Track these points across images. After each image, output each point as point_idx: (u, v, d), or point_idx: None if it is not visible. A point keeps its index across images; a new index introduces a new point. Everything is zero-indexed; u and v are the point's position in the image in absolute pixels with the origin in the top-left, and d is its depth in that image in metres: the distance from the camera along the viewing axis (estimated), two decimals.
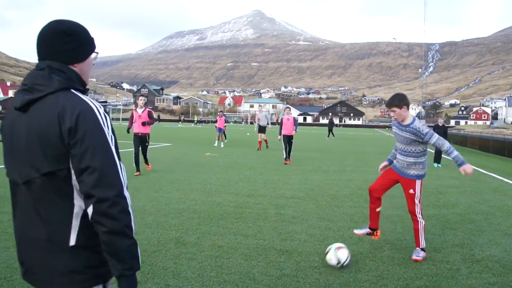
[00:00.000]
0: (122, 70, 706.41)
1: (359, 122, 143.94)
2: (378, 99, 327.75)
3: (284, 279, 4.66)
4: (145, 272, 4.72)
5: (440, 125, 17.84)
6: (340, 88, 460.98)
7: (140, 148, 12.60)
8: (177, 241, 5.91)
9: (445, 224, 7.30)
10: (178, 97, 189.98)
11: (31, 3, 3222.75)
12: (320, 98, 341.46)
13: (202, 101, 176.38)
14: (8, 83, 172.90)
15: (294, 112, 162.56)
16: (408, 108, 5.59)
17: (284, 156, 16.59)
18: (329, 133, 40.14)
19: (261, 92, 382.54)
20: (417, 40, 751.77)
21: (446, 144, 5.34)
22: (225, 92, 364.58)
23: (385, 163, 6.00)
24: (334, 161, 18.10)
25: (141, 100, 12.79)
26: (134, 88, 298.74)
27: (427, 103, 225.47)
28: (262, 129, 22.64)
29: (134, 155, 12.43)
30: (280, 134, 16.96)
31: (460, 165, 5.27)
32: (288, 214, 7.71)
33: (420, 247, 5.45)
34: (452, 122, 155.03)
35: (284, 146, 16.66)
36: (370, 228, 5.93)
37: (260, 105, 32.21)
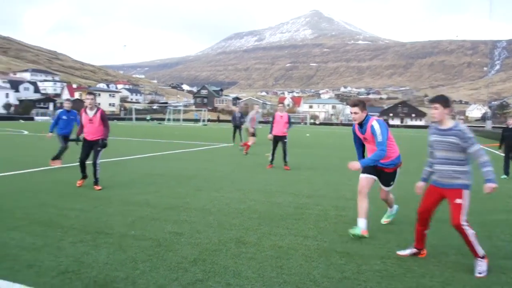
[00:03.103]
0: (182, 72, 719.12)
1: (421, 123, 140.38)
2: None
3: (345, 282, 4.61)
4: (206, 271, 4.79)
5: (510, 126, 16.62)
6: (401, 88, 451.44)
7: (87, 154, 10.14)
8: (238, 241, 5.95)
9: None
10: (237, 98, 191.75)
11: (102, 9, 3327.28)
12: (381, 98, 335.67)
13: (261, 101, 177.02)
14: (74, 85, 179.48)
15: None
16: (450, 113, 5.40)
17: (270, 159, 14.71)
18: None
19: (320, 92, 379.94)
20: (481, 37, 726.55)
21: (485, 156, 4.99)
22: (284, 93, 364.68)
23: (421, 183, 5.74)
24: None
25: (88, 99, 9.96)
26: (194, 89, 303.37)
27: (493, 103, 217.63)
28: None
29: (79, 163, 10.15)
30: (270, 133, 14.72)
31: (488, 182, 4.97)
32: (349, 216, 7.63)
33: (480, 255, 5.06)
34: None
35: (272, 147, 14.69)
36: (416, 248, 5.61)
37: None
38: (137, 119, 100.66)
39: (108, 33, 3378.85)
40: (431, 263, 5.26)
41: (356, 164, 6.25)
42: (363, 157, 6.87)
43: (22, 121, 75.51)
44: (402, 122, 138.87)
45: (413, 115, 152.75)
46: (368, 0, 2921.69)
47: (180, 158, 17.52)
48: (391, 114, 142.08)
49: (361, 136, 6.59)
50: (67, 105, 14.23)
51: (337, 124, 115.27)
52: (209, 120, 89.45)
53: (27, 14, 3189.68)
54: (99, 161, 10.00)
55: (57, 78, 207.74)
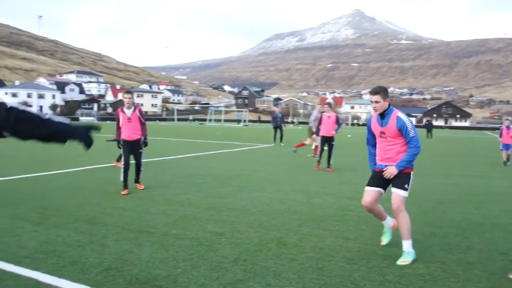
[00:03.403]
0: (224, 73, 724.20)
1: (466, 124, 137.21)
2: (487, 99, 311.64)
3: (386, 285, 4.54)
4: (246, 271, 4.80)
5: None
6: (445, 88, 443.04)
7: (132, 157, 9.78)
8: (278, 242, 5.94)
9: None
10: (278, 99, 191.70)
11: (146, 11, 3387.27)
12: (424, 99, 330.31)
13: (302, 102, 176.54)
14: (118, 86, 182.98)
15: None
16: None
17: (318, 159, 14.54)
18: (427, 134, 40.02)
19: (362, 93, 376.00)
20: None
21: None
22: (325, 93, 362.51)
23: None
24: (438, 164, 17.41)
25: (126, 98, 9.63)
26: (235, 90, 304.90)
27: None
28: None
29: (123, 167, 9.59)
30: (317, 134, 14.67)
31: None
32: None
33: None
34: None
35: (320, 148, 14.65)
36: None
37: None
38: (178, 119, 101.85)
39: (151, 35, 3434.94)
40: (477, 268, 5.11)
41: (394, 170, 5.47)
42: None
43: None
44: (446, 123, 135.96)
45: (458, 115, 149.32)
46: None
47: (221, 158, 17.64)
48: (434, 115, 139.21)
49: (378, 130, 5.65)
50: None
51: None
52: (249, 121, 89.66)
53: (74, 18, 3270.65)
54: (142, 161, 9.98)
55: (101, 80, 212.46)
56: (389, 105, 5.60)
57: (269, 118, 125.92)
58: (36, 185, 10.06)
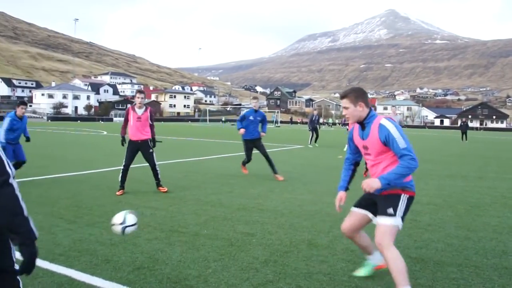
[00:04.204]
0: (256, 74, 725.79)
1: (503, 126, 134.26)
2: None
3: None
4: (277, 272, 4.79)
5: None
6: (481, 89, 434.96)
7: (144, 158, 9.74)
8: (309, 243, 5.91)
9: None
10: (310, 100, 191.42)
11: (180, 13, 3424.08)
12: (459, 99, 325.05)
13: (335, 103, 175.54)
14: (151, 87, 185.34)
15: (430, 115, 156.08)
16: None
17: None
18: (462, 136, 39.28)
19: (395, 93, 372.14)
20: None
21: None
22: None
23: None
24: (473, 166, 17.06)
25: (138, 98, 9.53)
26: (267, 91, 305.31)
27: None
28: None
29: (123, 167, 9.48)
30: None
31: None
32: (423, 221, 7.38)
33: None
34: None
35: None
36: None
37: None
38: (210, 120, 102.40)
39: (185, 36, 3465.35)
40: None
41: (374, 183, 4.03)
42: (349, 181, 5.14)
43: (101, 122, 78.76)
44: (481, 124, 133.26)
45: (494, 117, 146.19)
46: None
47: (253, 159, 17.64)
48: (470, 116, 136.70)
49: (360, 144, 4.46)
50: (255, 104, 12.48)
51: (414, 127, 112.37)
52: (281, 122, 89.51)
53: (110, 19, 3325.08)
54: (157, 162, 9.74)
55: (134, 81, 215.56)
56: (370, 111, 4.28)
57: (301, 119, 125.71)
58: (70, 184, 10.25)
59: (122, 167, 9.49)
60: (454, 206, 8.82)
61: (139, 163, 13.34)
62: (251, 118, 12.16)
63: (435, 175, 13.62)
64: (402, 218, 4.13)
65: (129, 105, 9.45)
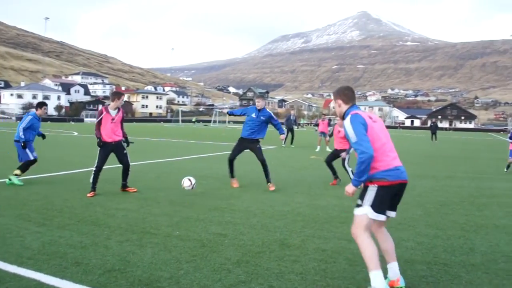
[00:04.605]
0: (229, 74, 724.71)
1: (471, 126, 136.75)
2: (492, 101, 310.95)
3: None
4: (249, 273, 4.79)
5: None
6: (450, 90, 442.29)
7: (116, 159, 9.75)
8: (281, 243, 5.93)
9: None
10: (283, 100, 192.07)
11: (153, 14, 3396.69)
12: (429, 100, 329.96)
13: (307, 104, 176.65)
14: (123, 88, 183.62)
15: (401, 115, 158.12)
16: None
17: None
18: (432, 136, 40.00)
19: (367, 94, 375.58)
20: None
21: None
22: (330, 95, 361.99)
23: None
24: (443, 166, 17.35)
25: (122, 100, 9.63)
26: (240, 91, 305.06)
27: None
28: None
29: (96, 169, 9.32)
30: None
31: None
32: (394, 220, 7.46)
33: None
34: None
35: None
36: None
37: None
38: (183, 121, 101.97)
39: (157, 37, 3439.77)
40: (480, 270, 5.08)
41: (349, 187, 4.49)
42: None
43: (72, 122, 77.74)
44: (451, 124, 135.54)
45: (463, 117, 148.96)
46: (417, 0, 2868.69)
47: (225, 159, 17.59)
48: (439, 117, 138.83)
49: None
50: (258, 104, 11.01)
51: (386, 127, 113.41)
52: None
53: (82, 19, 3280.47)
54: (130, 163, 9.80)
55: (106, 81, 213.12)
56: (349, 108, 4.66)
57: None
58: (40, 186, 10.10)
59: (94, 169, 9.32)
60: (424, 205, 8.97)
61: (111, 164, 13.19)
62: (253, 115, 10.73)
63: None
64: (373, 206, 4.33)
65: (101, 106, 9.30)
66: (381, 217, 4.42)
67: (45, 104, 11.13)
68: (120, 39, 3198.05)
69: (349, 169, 11.31)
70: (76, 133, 37.12)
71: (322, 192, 10.32)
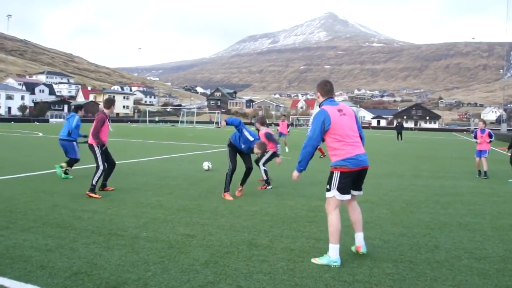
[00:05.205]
0: (196, 74, 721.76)
1: (435, 126, 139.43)
2: (455, 101, 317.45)
3: (356, 285, 4.58)
4: (217, 273, 4.79)
5: None
6: (415, 91, 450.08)
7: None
8: (250, 243, 5.95)
9: None
10: (251, 100, 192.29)
11: (120, 13, 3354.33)
12: (395, 101, 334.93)
13: (275, 104, 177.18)
14: (89, 88, 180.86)
15: (367, 115, 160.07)
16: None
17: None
18: (398, 136, 40.73)
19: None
20: (498, 39, 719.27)
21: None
22: (297, 95, 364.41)
23: None
24: (408, 165, 17.65)
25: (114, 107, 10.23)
26: (208, 91, 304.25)
27: (508, 105, 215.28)
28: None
29: (102, 170, 9.57)
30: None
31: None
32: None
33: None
34: None
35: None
36: None
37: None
38: (150, 121, 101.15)
39: (125, 36, 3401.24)
40: (444, 266, 5.20)
41: (294, 173, 5.58)
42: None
43: (37, 123, 76.22)
44: (416, 124, 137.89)
45: (427, 117, 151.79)
46: (383, 2, 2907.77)
47: (193, 160, 17.57)
48: (405, 117, 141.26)
49: None
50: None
51: None
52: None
53: (47, 18, 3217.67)
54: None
55: (72, 81, 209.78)
56: (324, 100, 5.60)
57: (242, 120, 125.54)
58: (3, 188, 9.87)
59: (101, 171, 9.42)
60: (390, 204, 9.12)
61: (78, 165, 13.02)
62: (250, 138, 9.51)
63: (372, 174, 13.96)
64: (339, 189, 5.28)
65: (100, 113, 9.70)
66: (347, 197, 5.37)
67: (83, 106, 13.29)
68: (85, 38, 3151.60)
69: (262, 168, 11.30)
70: (41, 134, 36.41)
71: (290, 191, 10.38)
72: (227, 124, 9.56)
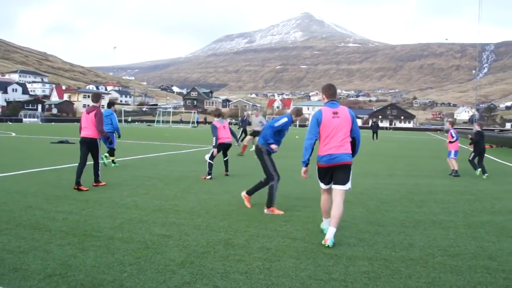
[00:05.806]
0: (172, 74, 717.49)
1: (410, 125, 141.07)
2: (429, 101, 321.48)
3: (332, 283, 4.62)
4: (194, 273, 4.78)
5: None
6: (390, 91, 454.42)
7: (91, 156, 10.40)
8: (226, 243, 5.95)
9: (500, 231, 7.05)
10: (227, 100, 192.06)
11: (95, 12, 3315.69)
12: (370, 100, 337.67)
13: (251, 103, 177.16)
14: (63, 87, 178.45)
15: None
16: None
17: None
18: (373, 135, 41.13)
19: (310, 94, 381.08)
20: (470, 40, 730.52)
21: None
22: (274, 95, 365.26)
23: None
24: (384, 165, 17.84)
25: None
26: (184, 91, 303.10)
27: (481, 105, 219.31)
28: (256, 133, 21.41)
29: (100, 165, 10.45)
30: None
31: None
32: None
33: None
34: (508, 125, 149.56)
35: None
36: None
37: (256, 108, 31.96)
38: (125, 121, 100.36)
39: (100, 35, 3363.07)
40: (418, 264, 5.28)
41: (302, 170, 6.64)
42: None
43: (10, 123, 74.99)
44: (391, 124, 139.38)
45: (402, 117, 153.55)
46: (359, 3, 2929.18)
47: (169, 160, 17.49)
48: (380, 117, 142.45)
49: None
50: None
51: None
52: (197, 122, 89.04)
53: (20, 16, 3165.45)
54: None
55: (46, 80, 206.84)
56: (327, 102, 6.36)
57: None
58: None
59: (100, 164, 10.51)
60: (365, 202, 9.20)
61: (50, 165, 12.85)
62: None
63: None
64: (319, 179, 6.45)
65: (94, 108, 10.04)
66: (322, 185, 6.47)
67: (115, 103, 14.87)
68: (60, 37, 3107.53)
69: (207, 162, 12.55)
70: (14, 134, 35.82)
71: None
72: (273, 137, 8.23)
